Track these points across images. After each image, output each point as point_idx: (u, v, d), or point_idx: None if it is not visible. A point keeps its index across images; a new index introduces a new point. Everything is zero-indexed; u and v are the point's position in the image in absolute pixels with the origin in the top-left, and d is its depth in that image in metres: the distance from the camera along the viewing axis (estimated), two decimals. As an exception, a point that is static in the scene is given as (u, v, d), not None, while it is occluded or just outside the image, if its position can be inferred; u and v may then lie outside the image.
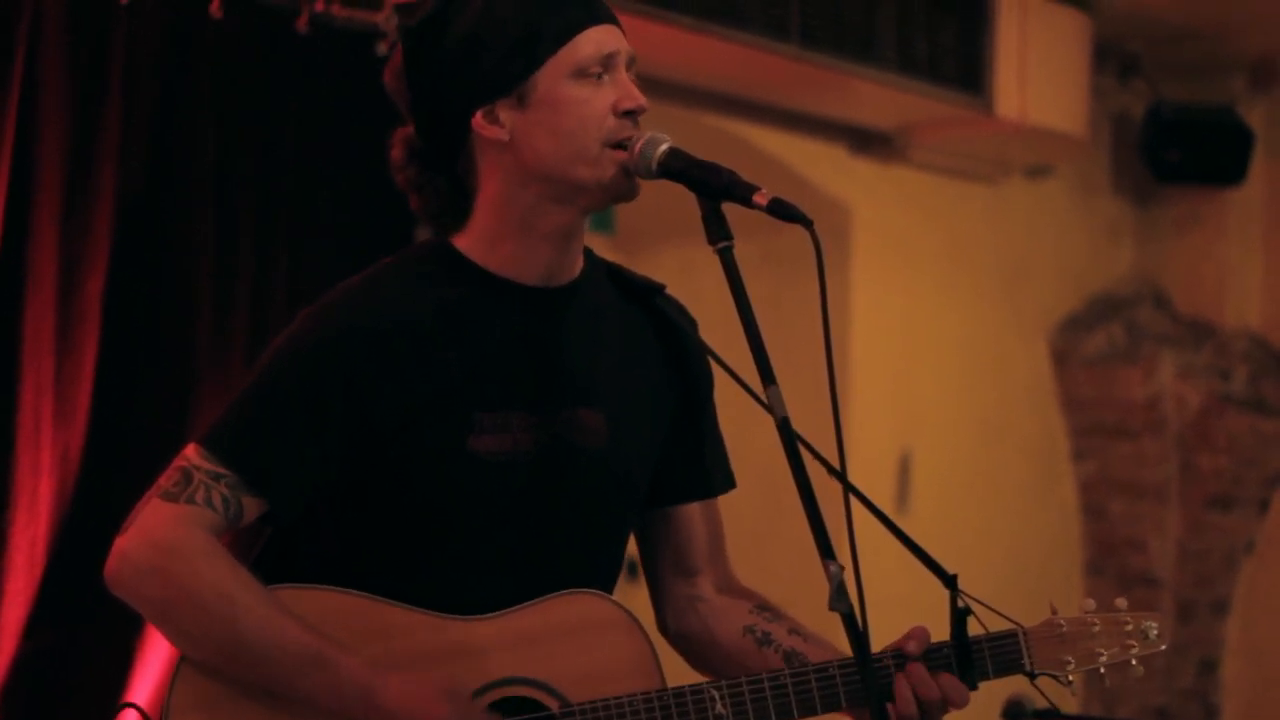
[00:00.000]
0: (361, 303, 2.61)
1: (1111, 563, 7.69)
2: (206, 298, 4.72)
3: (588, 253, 2.74)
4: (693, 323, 2.83)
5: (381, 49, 4.89)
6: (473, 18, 2.59)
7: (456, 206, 2.67)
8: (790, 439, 2.45)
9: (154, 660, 4.50)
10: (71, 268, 4.47)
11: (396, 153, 2.69)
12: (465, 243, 2.66)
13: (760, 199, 2.50)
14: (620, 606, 2.67)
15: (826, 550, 2.39)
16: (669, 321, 2.80)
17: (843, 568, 2.36)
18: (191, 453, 2.56)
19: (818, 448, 2.63)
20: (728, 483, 2.88)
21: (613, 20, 2.64)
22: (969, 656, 2.68)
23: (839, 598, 2.36)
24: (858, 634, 2.40)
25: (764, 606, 2.84)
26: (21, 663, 4.39)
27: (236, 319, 4.76)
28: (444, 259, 2.66)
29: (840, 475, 2.54)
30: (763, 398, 2.49)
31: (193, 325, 4.70)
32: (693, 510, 2.84)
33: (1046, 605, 2.78)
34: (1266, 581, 7.63)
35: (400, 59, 2.66)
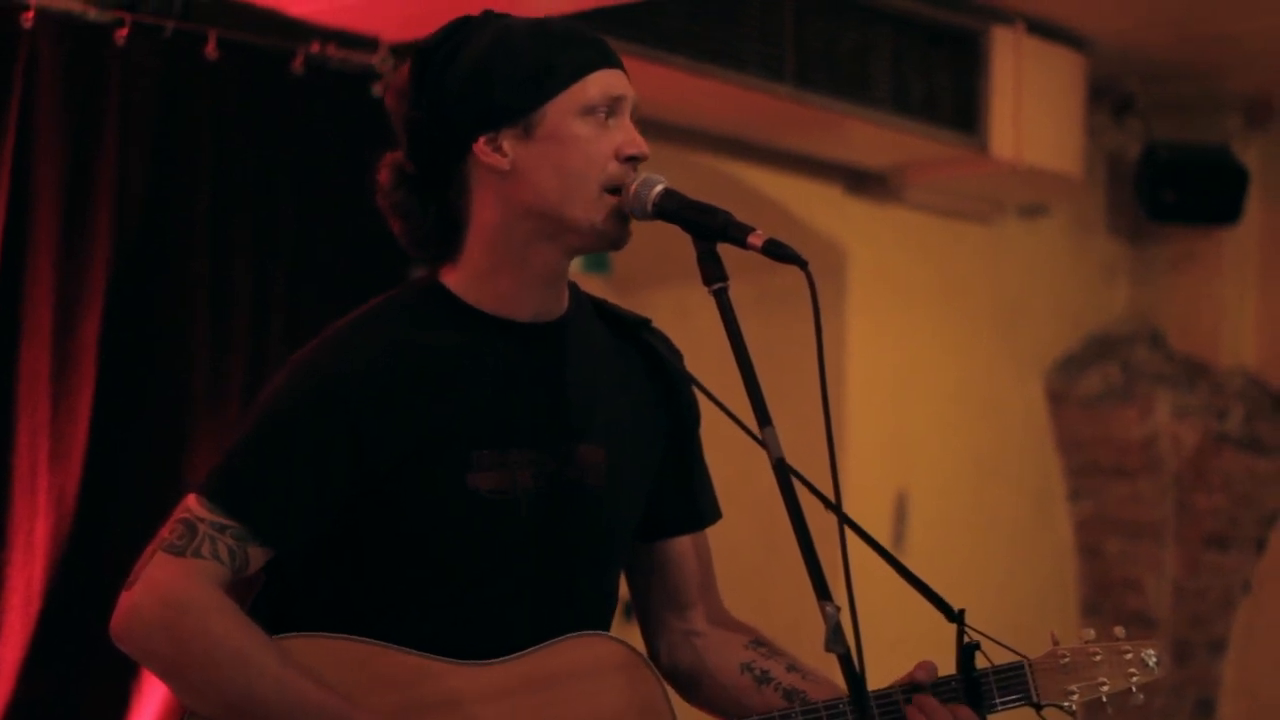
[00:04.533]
0: (355, 347, 2.59)
1: (1108, 602, 7.67)
2: (203, 339, 4.72)
3: (572, 287, 2.74)
4: (678, 355, 2.83)
5: (377, 90, 4.91)
6: (486, 45, 2.59)
7: (443, 235, 2.66)
8: (786, 479, 2.45)
9: (149, 705, 4.48)
10: (67, 309, 4.47)
11: (384, 176, 2.67)
12: (456, 280, 2.65)
13: (755, 240, 2.51)
14: (630, 647, 2.67)
15: (823, 591, 2.38)
16: (656, 354, 2.80)
17: (839, 609, 2.36)
18: (193, 504, 2.53)
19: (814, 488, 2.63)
20: (715, 513, 2.87)
21: (622, 66, 2.65)
22: (977, 689, 2.68)
23: (835, 639, 2.35)
24: (854, 676, 2.40)
25: (759, 641, 2.83)
26: (18, 705, 4.37)
27: (233, 361, 4.76)
28: (436, 299, 2.65)
29: (837, 509, 2.54)
30: (757, 434, 2.49)
31: (189, 367, 4.70)
32: (684, 543, 2.83)
33: (1043, 645, 2.78)
34: (1263, 621, 7.61)
35: (405, 78, 2.65)
